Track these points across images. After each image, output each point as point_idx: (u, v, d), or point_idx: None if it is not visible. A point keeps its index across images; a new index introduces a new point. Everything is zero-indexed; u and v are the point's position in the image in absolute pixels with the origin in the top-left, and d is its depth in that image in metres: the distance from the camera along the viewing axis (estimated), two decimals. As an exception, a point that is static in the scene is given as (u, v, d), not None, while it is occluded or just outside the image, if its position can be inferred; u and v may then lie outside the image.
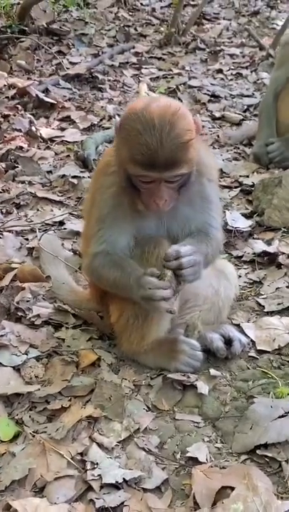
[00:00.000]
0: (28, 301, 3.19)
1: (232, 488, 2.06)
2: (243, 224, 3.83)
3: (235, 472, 2.13)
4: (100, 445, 2.33)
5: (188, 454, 2.28)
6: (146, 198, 2.42)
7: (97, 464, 2.23)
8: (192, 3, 10.79)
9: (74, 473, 2.21)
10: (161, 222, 2.64)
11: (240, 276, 3.35)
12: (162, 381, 2.66)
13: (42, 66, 7.57)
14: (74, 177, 4.67)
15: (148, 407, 2.55)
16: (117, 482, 2.15)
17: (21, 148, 5.25)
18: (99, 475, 2.18)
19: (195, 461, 2.25)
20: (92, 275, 2.81)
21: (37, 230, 3.78)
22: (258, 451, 2.24)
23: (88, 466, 2.23)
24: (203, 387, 2.57)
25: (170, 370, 2.69)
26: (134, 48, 8.42)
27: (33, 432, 2.40)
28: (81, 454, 2.29)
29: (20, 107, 6.13)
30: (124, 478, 2.16)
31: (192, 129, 2.34)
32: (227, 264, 3.07)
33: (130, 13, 10.03)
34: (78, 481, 2.19)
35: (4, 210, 4.22)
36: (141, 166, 2.30)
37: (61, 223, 4.04)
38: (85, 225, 2.93)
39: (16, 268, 3.24)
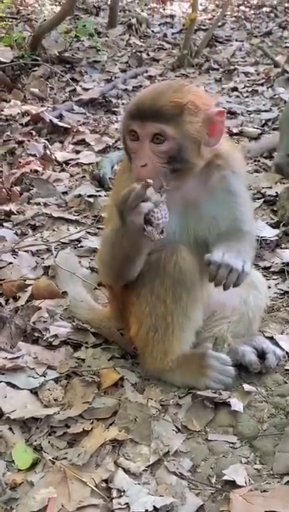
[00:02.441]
0: (45, 321, 3.01)
1: (276, 514, 1.84)
2: (270, 233, 3.63)
3: (279, 495, 1.92)
4: (127, 470, 2.12)
5: (224, 478, 2.06)
6: (132, 165, 2.27)
7: (124, 491, 2.02)
8: (203, 27, 10.81)
9: (99, 502, 2.00)
10: (185, 224, 2.45)
11: (269, 287, 3.13)
12: (192, 400, 2.44)
13: (55, 93, 7.53)
14: (90, 196, 4.53)
15: (177, 428, 2.33)
16: (146, 510, 1.93)
17: (36, 171, 5.15)
18: (126, 503, 1.97)
19: (232, 484, 2.03)
20: (98, 262, 2.64)
21: (52, 249, 3.62)
22: (302, 472, 2.02)
23: (114, 493, 2.02)
24: (237, 405, 2.34)
25: (199, 388, 2.47)
26: (146, 71, 8.40)
27: (53, 458, 2.19)
28: (106, 480, 2.08)
29: (34, 132, 6.05)
30: (154, 506, 1.94)
31: (198, 105, 2.20)
32: (255, 273, 2.87)
33: (142, 40, 10.05)
34: (104, 510, 1.97)
35: (19, 232, 4.07)
36: (129, 115, 2.24)
37: (78, 241, 3.87)
38: (105, 228, 2.77)
39: (30, 285, 3.06)
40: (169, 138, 2.18)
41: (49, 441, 2.30)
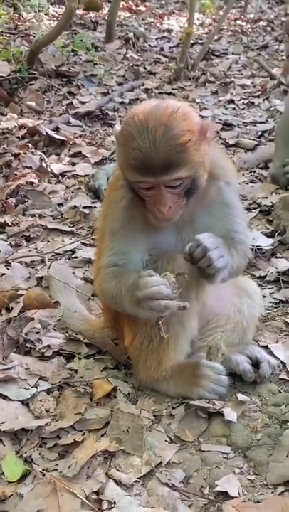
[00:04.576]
0: (37, 332, 2.99)
1: (269, 525, 1.79)
2: (265, 242, 3.61)
3: (272, 506, 1.88)
4: (118, 482, 2.09)
5: (217, 488, 2.02)
6: (150, 207, 2.25)
7: (114, 503, 1.98)
8: (200, 41, 10.86)
9: (89, 514, 1.96)
10: (179, 236, 2.45)
11: (264, 297, 3.11)
12: (185, 410, 2.41)
13: (52, 107, 7.54)
14: (85, 207, 4.52)
15: (170, 438, 2.30)
16: (137, 522, 1.89)
17: (32, 183, 5.14)
18: (117, 515, 1.93)
19: (225, 495, 1.99)
20: (98, 291, 2.61)
21: (46, 260, 3.59)
22: (296, 482, 1.98)
23: (105, 505, 1.98)
24: (230, 414, 2.31)
25: (193, 398, 2.43)
26: (143, 85, 8.41)
27: (43, 470, 2.16)
28: (96, 492, 2.05)
29: (30, 145, 6.05)
30: (145, 518, 1.90)
31: (193, 129, 2.17)
32: (249, 282, 2.85)
33: (139, 54, 10.09)
34: (94, 523, 1.93)
35: (13, 243, 4.05)
36: (136, 171, 2.16)
37: (72, 252, 3.85)
38: (97, 245, 2.76)
39: (22, 295, 3.03)
40: (185, 178, 2.19)
41: (40, 453, 2.27)
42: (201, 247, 2.17)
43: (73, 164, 5.72)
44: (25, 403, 2.53)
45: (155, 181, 2.16)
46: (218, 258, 2.18)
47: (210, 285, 2.39)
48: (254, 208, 4.29)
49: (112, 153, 5.89)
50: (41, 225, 4.33)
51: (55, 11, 12.18)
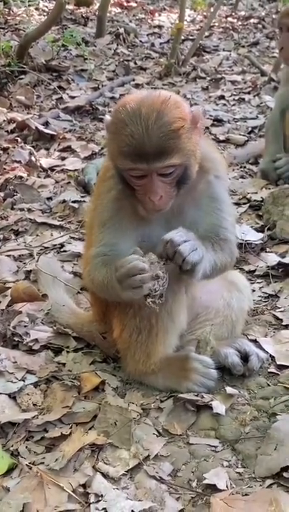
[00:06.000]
0: (25, 325, 2.96)
1: (257, 517, 1.78)
2: (254, 237, 3.60)
3: (260, 499, 1.86)
4: (105, 475, 2.07)
5: (205, 481, 2.00)
6: (141, 197, 2.23)
7: (101, 496, 1.96)
8: (191, 37, 10.84)
9: (75, 507, 1.95)
10: (168, 229, 2.41)
11: (254, 291, 3.11)
12: (173, 403, 2.40)
13: (42, 101, 7.50)
14: (74, 201, 4.49)
15: (158, 431, 2.28)
16: (124, 515, 1.87)
17: (21, 177, 5.10)
18: (104, 508, 1.91)
19: (213, 488, 1.97)
20: (87, 281, 2.58)
21: (35, 254, 3.57)
22: (284, 474, 1.96)
23: (92, 498, 1.96)
24: (219, 407, 2.29)
25: (182, 391, 2.42)
26: (134, 80, 8.39)
27: (30, 463, 2.14)
28: (84, 485, 2.03)
29: (19, 139, 6.02)
30: (132, 511, 1.89)
31: (185, 117, 2.15)
32: (238, 275, 2.85)
33: (129, 49, 10.06)
34: (80, 516, 1.92)
35: (2, 237, 4.02)
36: (129, 158, 2.13)
37: (61, 246, 3.83)
38: (87, 237, 2.74)
39: (9, 288, 3.01)
40: (177, 166, 2.18)
41: (26, 446, 2.25)
42: (170, 244, 2.15)
43: (63, 159, 5.69)
44: (12, 396, 2.50)
45: (147, 168, 2.14)
46: (190, 252, 2.14)
47: (194, 281, 2.38)
48: (244, 203, 4.29)
49: (102, 148, 5.87)
50: (30, 219, 4.30)
51: (46, 6, 12.12)
